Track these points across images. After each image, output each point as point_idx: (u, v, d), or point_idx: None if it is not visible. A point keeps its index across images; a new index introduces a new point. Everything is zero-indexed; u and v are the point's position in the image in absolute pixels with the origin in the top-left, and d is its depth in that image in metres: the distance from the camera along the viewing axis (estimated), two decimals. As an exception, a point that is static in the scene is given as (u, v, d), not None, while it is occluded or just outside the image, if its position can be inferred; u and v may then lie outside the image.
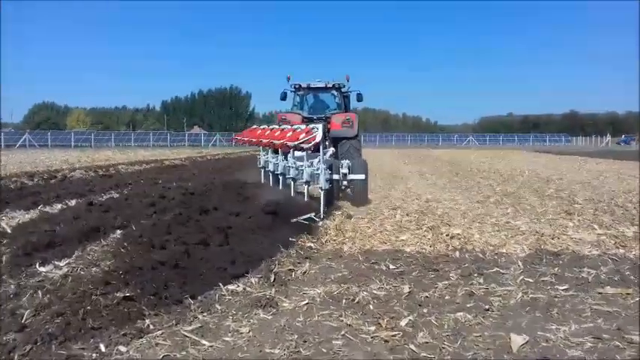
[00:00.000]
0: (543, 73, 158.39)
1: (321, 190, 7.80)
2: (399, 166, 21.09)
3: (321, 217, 7.36)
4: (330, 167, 8.30)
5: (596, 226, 6.46)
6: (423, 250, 5.27)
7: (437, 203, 9.06)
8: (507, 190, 11.03)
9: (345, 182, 9.10)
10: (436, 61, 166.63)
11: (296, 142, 8.36)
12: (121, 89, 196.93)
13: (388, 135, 75.66)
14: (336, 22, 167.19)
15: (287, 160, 9.28)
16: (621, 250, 5.13)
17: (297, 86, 13.91)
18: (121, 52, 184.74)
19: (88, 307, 3.39)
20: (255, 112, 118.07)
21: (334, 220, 7.16)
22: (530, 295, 3.84)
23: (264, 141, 10.32)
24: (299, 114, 13.31)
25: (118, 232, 6.02)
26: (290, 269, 4.60)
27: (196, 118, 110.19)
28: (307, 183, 8.39)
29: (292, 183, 8.90)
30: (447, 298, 3.85)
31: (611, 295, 3.87)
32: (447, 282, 4.21)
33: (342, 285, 4.13)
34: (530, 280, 4.21)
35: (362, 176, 9.20)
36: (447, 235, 5.93)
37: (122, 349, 2.90)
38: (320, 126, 8.65)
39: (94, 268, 4.43)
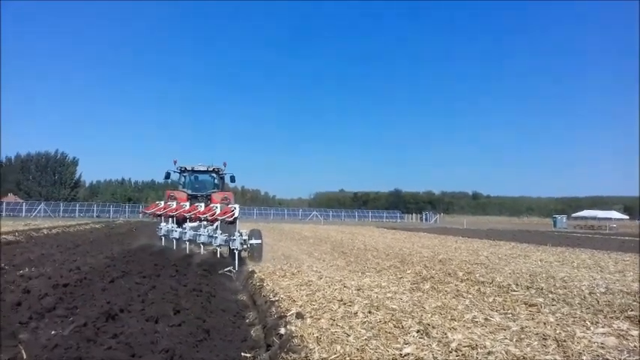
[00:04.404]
0: (370, 154, 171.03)
1: (236, 250, 10.94)
2: (275, 244, 19.72)
3: (236, 269, 10.46)
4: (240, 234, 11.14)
5: (588, 323, 5.82)
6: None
7: (370, 291, 7.88)
8: (424, 274, 10.38)
9: (245, 246, 11.36)
10: (271, 134, 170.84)
11: (223, 217, 11.54)
12: None
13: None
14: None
15: (193, 229, 12.80)
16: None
17: (182, 169, 16.28)
18: None
19: None
20: (82, 180, 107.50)
21: (287, 323, 5.55)
22: None
23: (188, 214, 13.11)
24: (184, 192, 15.68)
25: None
26: None
27: (11, 185, 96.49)
28: (219, 246, 11.68)
29: (202, 246, 12.24)
30: None
31: None
32: None
33: None
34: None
35: (259, 241, 12.41)
36: (455, 344, 4.73)
37: None
38: (237, 205, 11.94)
39: None
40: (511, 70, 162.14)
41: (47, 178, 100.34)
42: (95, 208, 66.94)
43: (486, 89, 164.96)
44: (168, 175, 16.25)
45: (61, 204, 66.56)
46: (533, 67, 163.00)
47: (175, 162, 16.11)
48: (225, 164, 16.64)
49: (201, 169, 16.43)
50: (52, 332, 4.52)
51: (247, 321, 6.80)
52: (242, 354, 4.79)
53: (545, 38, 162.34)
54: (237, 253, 10.95)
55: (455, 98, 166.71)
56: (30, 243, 15.89)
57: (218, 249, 11.64)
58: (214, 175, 16.71)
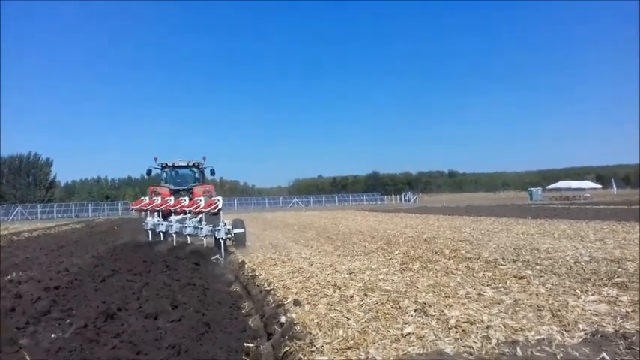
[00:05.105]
0: (346, 139, 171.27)
1: (222, 239, 11.72)
2: (260, 233, 19.69)
3: (222, 257, 11.35)
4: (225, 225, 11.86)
5: (578, 292, 6.00)
6: (466, 350, 4.05)
7: (362, 274, 7.99)
8: (411, 254, 10.49)
9: (229, 235, 11.97)
10: (246, 124, 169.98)
11: (208, 209, 12.31)
12: None
13: (213, 200, 73.26)
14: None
15: (178, 222, 13.37)
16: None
17: (163, 165, 16.84)
18: None
19: None
20: (57, 181, 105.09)
21: (286, 311, 5.59)
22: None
23: (175, 208, 13.81)
24: (167, 187, 16.27)
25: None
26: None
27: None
28: (205, 236, 12.42)
29: (188, 238, 13.09)
30: None
31: None
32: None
33: None
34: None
35: (242, 230, 12.98)
36: (454, 320, 4.82)
37: None
38: (220, 198, 12.81)
39: None
40: (483, 47, 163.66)
41: (21, 180, 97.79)
42: (73, 208, 65.66)
43: (460, 68, 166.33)
44: (149, 172, 16.99)
45: (38, 206, 65.15)
46: (505, 44, 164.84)
47: (156, 159, 16.81)
48: (204, 158, 17.27)
49: (182, 164, 17.07)
50: (53, 335, 4.47)
51: (243, 311, 6.83)
52: (245, 344, 4.81)
53: (514, 16, 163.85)
54: (222, 242, 11.77)
55: (429, 77, 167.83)
56: (12, 247, 15.61)
57: (204, 238, 12.50)
58: (195, 169, 17.38)
